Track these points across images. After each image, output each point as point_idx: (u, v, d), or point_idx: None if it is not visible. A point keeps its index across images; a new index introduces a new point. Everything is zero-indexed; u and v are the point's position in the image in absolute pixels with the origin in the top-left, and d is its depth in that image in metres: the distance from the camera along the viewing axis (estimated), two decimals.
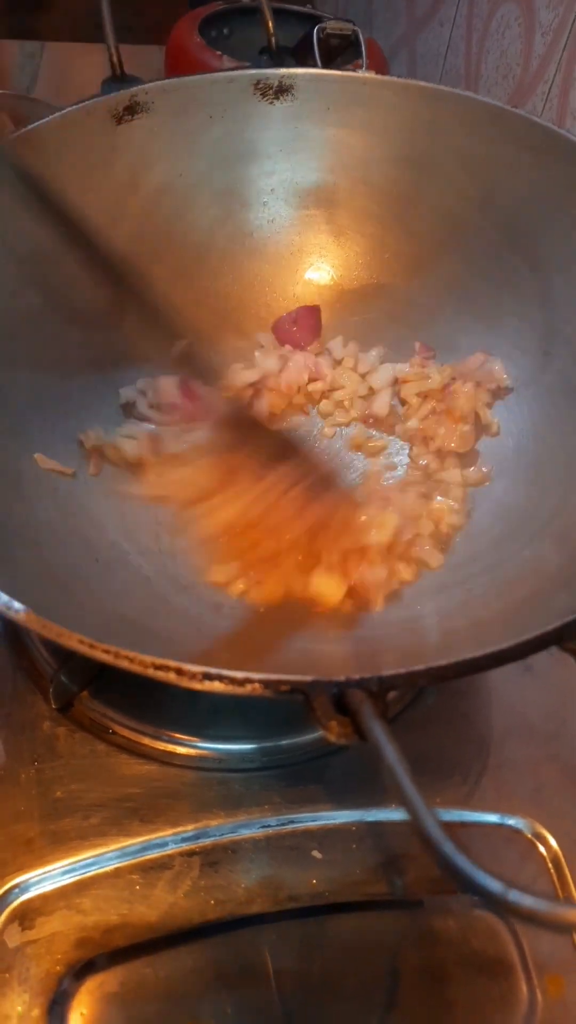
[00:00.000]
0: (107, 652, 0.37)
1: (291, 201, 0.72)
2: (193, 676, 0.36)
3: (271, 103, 0.67)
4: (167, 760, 0.56)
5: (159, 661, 0.36)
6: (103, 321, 0.65)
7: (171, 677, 0.36)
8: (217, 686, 0.36)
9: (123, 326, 0.67)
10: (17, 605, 0.38)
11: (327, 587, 0.54)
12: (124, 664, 0.36)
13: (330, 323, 0.73)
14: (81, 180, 0.64)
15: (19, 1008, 0.46)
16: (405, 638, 0.51)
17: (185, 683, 0.36)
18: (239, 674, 0.36)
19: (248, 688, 0.36)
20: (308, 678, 0.36)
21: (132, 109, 0.65)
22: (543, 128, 0.59)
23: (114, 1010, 0.47)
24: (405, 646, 0.50)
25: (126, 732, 0.57)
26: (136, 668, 0.36)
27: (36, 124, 0.61)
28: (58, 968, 0.47)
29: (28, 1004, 0.46)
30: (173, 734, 0.57)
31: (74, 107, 0.62)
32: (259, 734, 0.58)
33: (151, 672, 0.36)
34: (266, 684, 0.36)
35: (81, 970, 0.47)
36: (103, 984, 0.48)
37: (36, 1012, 0.46)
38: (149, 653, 0.44)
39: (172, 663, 0.36)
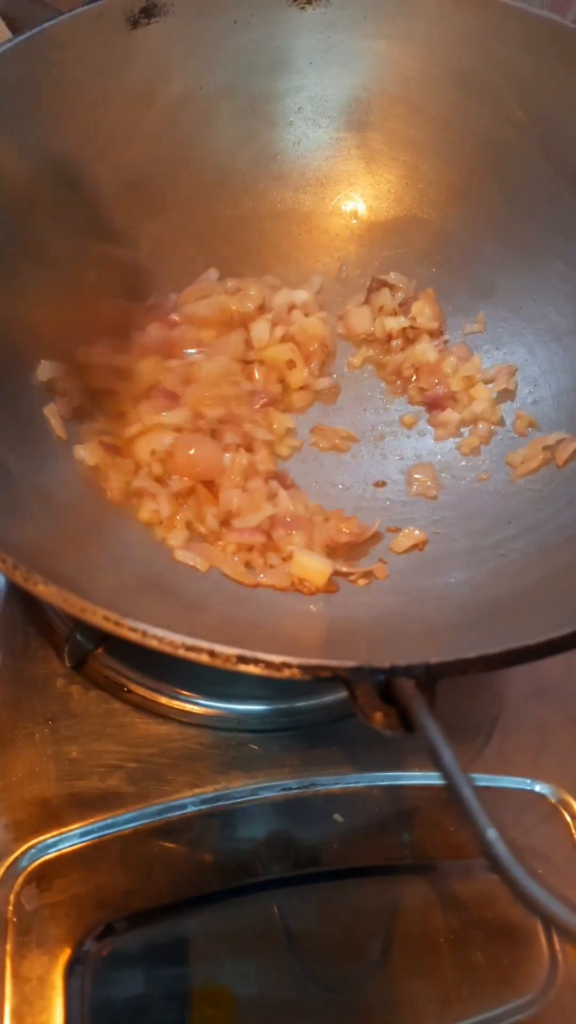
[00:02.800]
0: (134, 631, 0.34)
1: (320, 122, 0.66)
2: (227, 659, 0.34)
3: (303, 8, 0.61)
4: (184, 720, 0.55)
5: (190, 642, 0.34)
6: (118, 250, 0.61)
7: (203, 659, 0.34)
8: (252, 669, 0.34)
9: (139, 254, 0.63)
10: (38, 579, 0.35)
11: (311, 566, 0.51)
12: (153, 644, 0.34)
13: (357, 258, 0.68)
14: (92, 90, 0.58)
15: (38, 970, 0.45)
16: (433, 607, 0.49)
17: (219, 665, 0.34)
18: (276, 658, 0.34)
19: (286, 673, 0.33)
20: (351, 663, 0.33)
21: (149, 11, 0.58)
22: None
23: (133, 972, 0.47)
24: (434, 618, 0.47)
25: (142, 691, 0.55)
26: (166, 648, 0.34)
27: (40, 28, 0.55)
28: (77, 930, 0.47)
29: (47, 966, 0.46)
30: (190, 693, 0.55)
31: (84, 8, 0.56)
32: (277, 695, 0.56)
33: (182, 653, 0.34)
34: (305, 669, 0.34)
35: (100, 933, 0.47)
36: (122, 946, 0.47)
37: (55, 975, 0.45)
38: (172, 619, 0.42)
39: (204, 644, 0.34)
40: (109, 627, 0.34)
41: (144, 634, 0.34)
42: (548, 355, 0.59)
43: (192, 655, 0.34)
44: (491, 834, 0.25)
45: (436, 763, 0.28)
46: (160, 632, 0.34)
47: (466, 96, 0.61)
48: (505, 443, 0.59)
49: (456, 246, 0.65)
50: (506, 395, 0.60)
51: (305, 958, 0.49)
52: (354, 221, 0.67)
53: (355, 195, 0.67)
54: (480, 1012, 0.47)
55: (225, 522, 0.53)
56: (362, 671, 0.33)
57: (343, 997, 0.48)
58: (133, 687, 0.55)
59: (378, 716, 0.32)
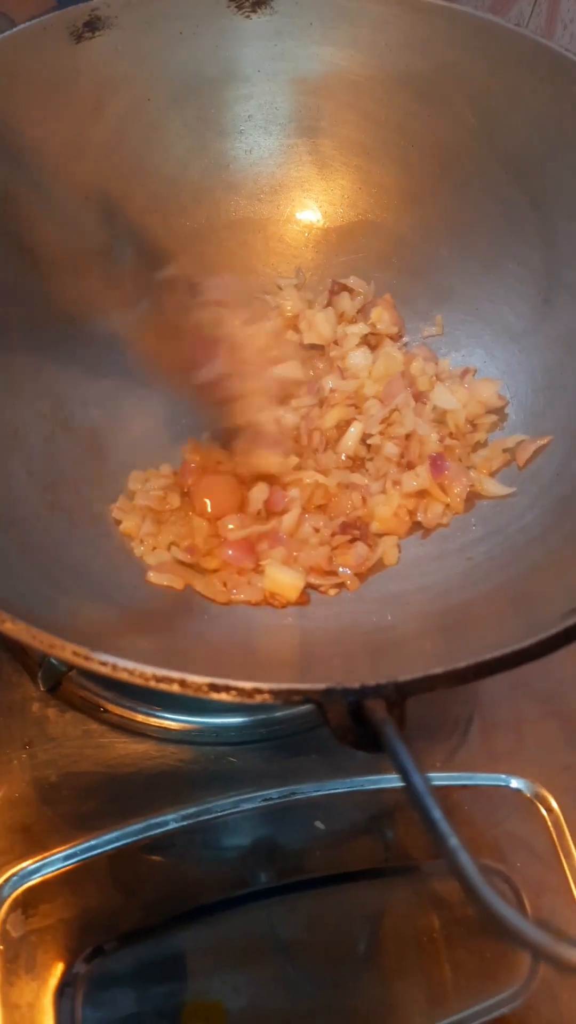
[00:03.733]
0: (104, 665, 0.34)
1: (271, 129, 0.65)
2: (199, 688, 0.34)
3: (248, 16, 0.61)
4: (162, 737, 0.55)
5: (160, 673, 0.34)
6: (69, 267, 0.60)
7: (175, 688, 0.34)
8: (224, 697, 0.34)
9: (90, 273, 0.62)
10: (4, 616, 0.35)
11: (284, 580, 0.51)
12: (123, 677, 0.34)
13: (314, 264, 0.68)
14: (38, 107, 0.57)
15: (28, 997, 0.46)
16: (403, 615, 0.49)
17: (191, 694, 0.34)
18: (248, 684, 0.34)
19: (259, 698, 0.34)
20: (321, 686, 0.34)
21: (93, 24, 0.58)
22: (550, 51, 0.54)
23: (124, 992, 0.47)
24: (405, 626, 0.48)
25: (118, 710, 0.56)
26: (136, 680, 0.34)
27: None
28: (65, 954, 0.47)
29: (36, 992, 0.46)
30: (166, 710, 0.56)
31: (27, 24, 0.55)
32: (253, 707, 0.57)
33: (153, 684, 0.34)
34: (276, 694, 0.34)
35: (89, 955, 0.47)
36: (112, 967, 0.48)
37: (45, 999, 0.46)
38: (143, 644, 0.42)
39: (175, 675, 0.34)
40: (79, 662, 0.35)
41: (114, 667, 0.34)
42: (506, 356, 0.60)
43: (163, 686, 0.34)
44: (463, 857, 0.25)
45: (407, 788, 0.29)
46: (130, 664, 0.34)
47: (415, 100, 0.61)
48: None
49: (411, 250, 0.65)
50: None
51: (294, 965, 0.49)
52: (309, 227, 0.68)
53: (310, 201, 0.67)
54: (468, 1006, 0.48)
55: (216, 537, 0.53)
56: (333, 693, 0.33)
57: (333, 1002, 0.48)
58: (109, 707, 0.56)
59: (349, 737, 0.33)
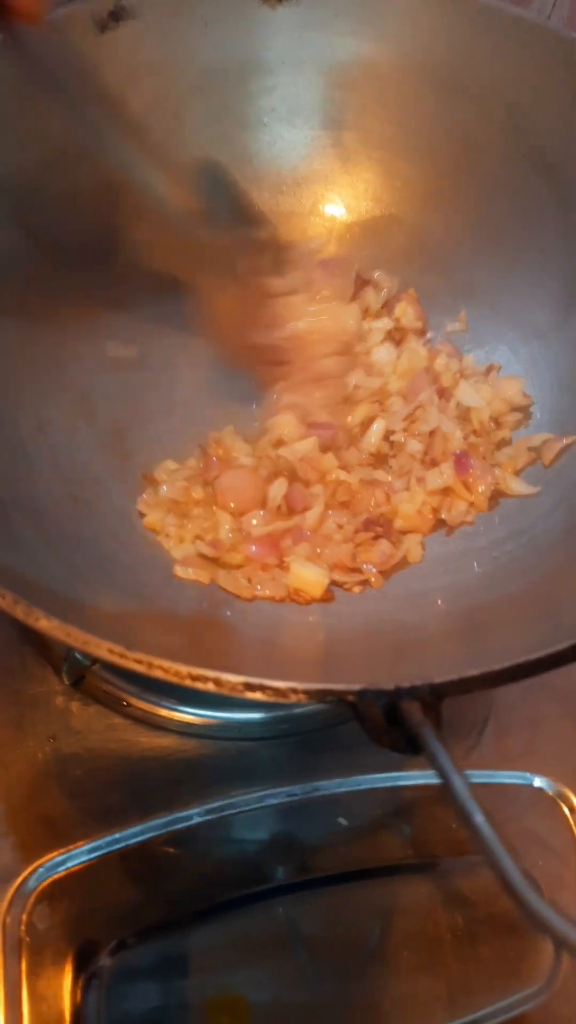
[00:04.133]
0: (139, 662, 0.34)
1: (294, 121, 0.65)
2: (234, 687, 0.34)
3: (273, 8, 0.60)
4: (185, 731, 0.55)
5: (196, 672, 0.34)
6: (93, 260, 0.60)
7: (210, 687, 0.34)
8: (259, 696, 0.34)
9: (114, 265, 0.62)
10: (40, 614, 0.35)
11: (308, 576, 0.51)
12: (158, 675, 0.34)
13: (336, 258, 0.67)
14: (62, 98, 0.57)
15: (54, 988, 0.46)
16: (429, 614, 0.49)
17: (226, 692, 0.34)
18: (282, 684, 0.34)
19: (293, 698, 0.34)
20: (356, 687, 0.34)
21: (117, 15, 0.57)
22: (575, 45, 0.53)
23: (148, 986, 0.48)
24: (430, 626, 0.48)
25: (141, 704, 0.56)
26: (172, 678, 0.34)
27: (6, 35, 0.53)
28: (90, 947, 0.47)
29: (62, 984, 0.46)
30: (189, 705, 0.56)
31: (52, 14, 0.55)
32: (275, 703, 0.57)
33: (188, 683, 0.34)
34: (311, 694, 0.34)
35: (114, 948, 0.47)
36: (136, 960, 0.48)
37: (71, 991, 0.46)
38: (172, 640, 0.42)
39: (210, 673, 0.34)
40: (114, 659, 0.35)
41: (150, 665, 0.34)
42: (530, 353, 0.60)
43: (199, 684, 0.34)
44: (506, 860, 0.25)
45: (447, 790, 0.29)
46: (165, 663, 0.34)
47: (440, 93, 0.61)
48: None
49: (435, 245, 0.65)
50: None
51: (315, 961, 0.50)
52: (331, 220, 0.67)
53: (332, 195, 0.67)
54: (489, 1004, 0.49)
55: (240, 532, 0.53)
56: (367, 694, 0.33)
57: (354, 997, 0.49)
58: (133, 701, 0.56)
59: (385, 739, 0.33)
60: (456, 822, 0.49)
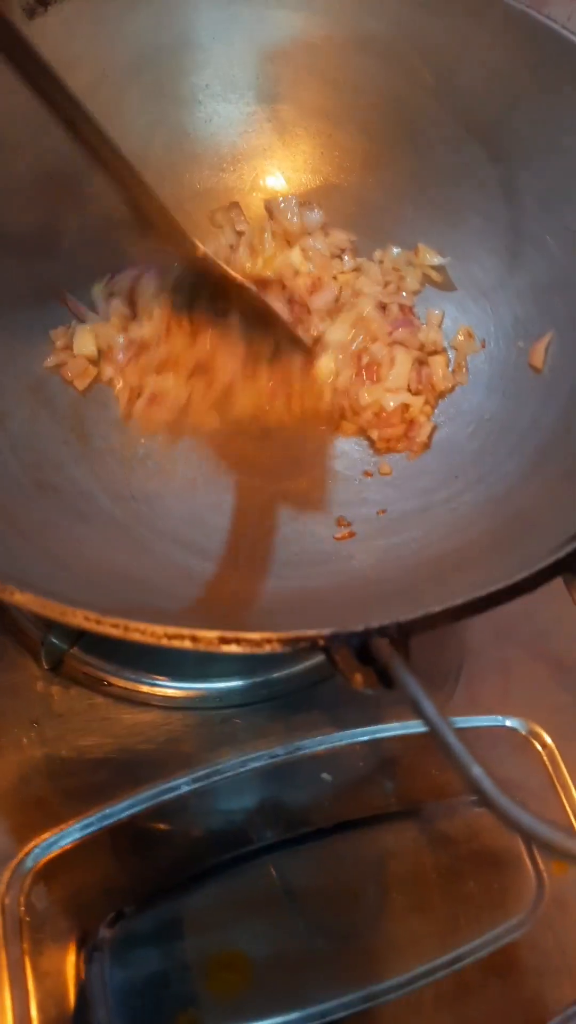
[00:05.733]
0: (115, 627, 0.35)
1: (229, 97, 0.65)
2: (210, 642, 0.35)
3: None
4: (167, 705, 0.56)
5: (172, 631, 0.35)
6: (40, 245, 0.60)
7: (187, 644, 0.35)
8: (235, 648, 0.35)
9: (60, 251, 0.62)
10: (12, 588, 0.35)
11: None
12: (136, 637, 0.35)
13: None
14: None
15: (57, 963, 0.47)
16: (395, 567, 0.51)
17: (202, 648, 0.35)
18: (256, 635, 0.35)
19: (267, 648, 0.35)
20: (327, 631, 0.35)
21: (44, 0, 0.57)
22: (505, 5, 0.54)
23: (148, 951, 0.49)
24: (398, 578, 0.49)
25: (121, 682, 0.56)
26: (149, 640, 0.35)
27: None
28: (89, 921, 0.48)
29: (64, 958, 0.47)
30: (168, 679, 0.57)
31: None
32: (253, 669, 0.58)
33: (164, 642, 0.35)
34: (284, 642, 0.35)
35: (112, 920, 0.48)
36: (135, 928, 0.49)
37: (74, 965, 0.47)
38: (145, 608, 0.43)
39: (186, 631, 0.35)
40: (90, 626, 0.35)
41: (126, 628, 0.35)
42: (477, 311, 0.61)
43: (175, 643, 0.35)
44: (476, 771, 0.27)
45: (419, 715, 0.30)
46: (141, 624, 0.35)
47: (373, 61, 0.62)
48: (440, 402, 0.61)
49: (377, 210, 0.66)
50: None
51: (310, 912, 0.51)
52: (273, 193, 0.68)
53: (272, 168, 0.68)
54: (477, 936, 0.51)
55: None
56: (339, 636, 0.35)
57: (351, 942, 0.50)
58: (112, 680, 0.56)
59: (358, 677, 0.34)
60: (436, 766, 0.51)
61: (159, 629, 0.35)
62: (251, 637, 0.35)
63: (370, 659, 0.34)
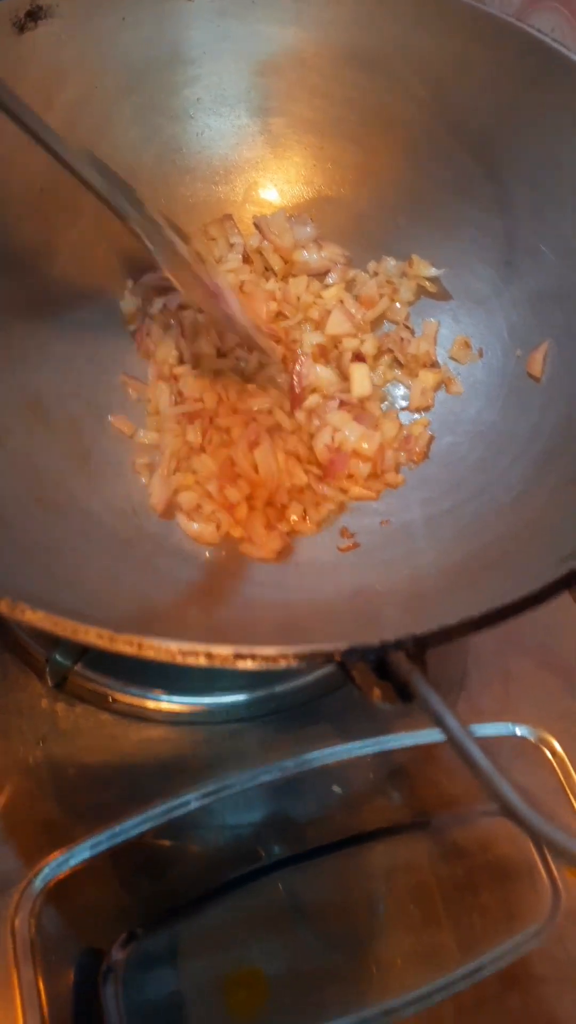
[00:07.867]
0: (129, 644, 0.35)
1: (220, 111, 0.66)
2: (225, 659, 0.35)
3: None
4: (173, 720, 0.56)
5: (186, 647, 0.35)
6: (33, 262, 0.60)
7: (201, 661, 0.35)
8: (250, 664, 0.35)
9: (55, 265, 0.62)
10: (25, 607, 0.35)
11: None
12: (150, 654, 0.35)
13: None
14: None
15: (70, 986, 0.46)
16: (403, 579, 0.51)
17: (217, 665, 0.35)
18: (271, 651, 0.35)
19: (283, 663, 0.35)
20: (343, 646, 0.35)
21: (35, 14, 0.57)
22: (493, 19, 0.55)
23: (163, 971, 0.48)
24: (406, 590, 0.49)
25: (126, 698, 0.56)
26: (163, 657, 0.35)
27: None
28: (102, 941, 0.48)
29: (77, 980, 0.46)
30: (173, 694, 0.56)
31: None
32: (258, 683, 0.58)
33: (179, 659, 0.35)
34: (300, 657, 0.35)
35: (125, 939, 0.48)
36: (148, 950, 0.48)
37: (88, 987, 0.46)
38: (153, 624, 0.42)
39: (200, 647, 0.35)
40: (103, 644, 0.35)
41: (140, 646, 0.35)
42: (473, 321, 0.62)
43: (190, 660, 0.35)
44: (505, 787, 0.27)
45: (442, 728, 0.30)
46: (154, 642, 0.35)
47: (363, 75, 0.62)
48: (439, 411, 0.61)
49: (371, 222, 0.66)
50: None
51: (324, 928, 0.51)
52: (266, 207, 0.68)
53: (265, 181, 0.68)
54: (494, 947, 0.50)
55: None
56: (355, 651, 0.34)
57: (366, 958, 0.50)
58: (117, 696, 0.56)
59: (376, 692, 0.34)
60: (446, 775, 0.51)
61: (173, 646, 0.35)
62: (267, 653, 0.34)
63: (388, 674, 0.34)
